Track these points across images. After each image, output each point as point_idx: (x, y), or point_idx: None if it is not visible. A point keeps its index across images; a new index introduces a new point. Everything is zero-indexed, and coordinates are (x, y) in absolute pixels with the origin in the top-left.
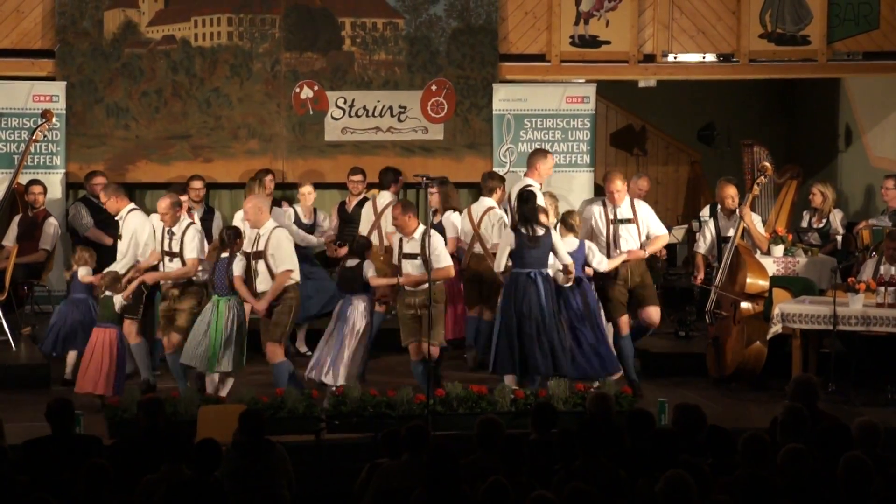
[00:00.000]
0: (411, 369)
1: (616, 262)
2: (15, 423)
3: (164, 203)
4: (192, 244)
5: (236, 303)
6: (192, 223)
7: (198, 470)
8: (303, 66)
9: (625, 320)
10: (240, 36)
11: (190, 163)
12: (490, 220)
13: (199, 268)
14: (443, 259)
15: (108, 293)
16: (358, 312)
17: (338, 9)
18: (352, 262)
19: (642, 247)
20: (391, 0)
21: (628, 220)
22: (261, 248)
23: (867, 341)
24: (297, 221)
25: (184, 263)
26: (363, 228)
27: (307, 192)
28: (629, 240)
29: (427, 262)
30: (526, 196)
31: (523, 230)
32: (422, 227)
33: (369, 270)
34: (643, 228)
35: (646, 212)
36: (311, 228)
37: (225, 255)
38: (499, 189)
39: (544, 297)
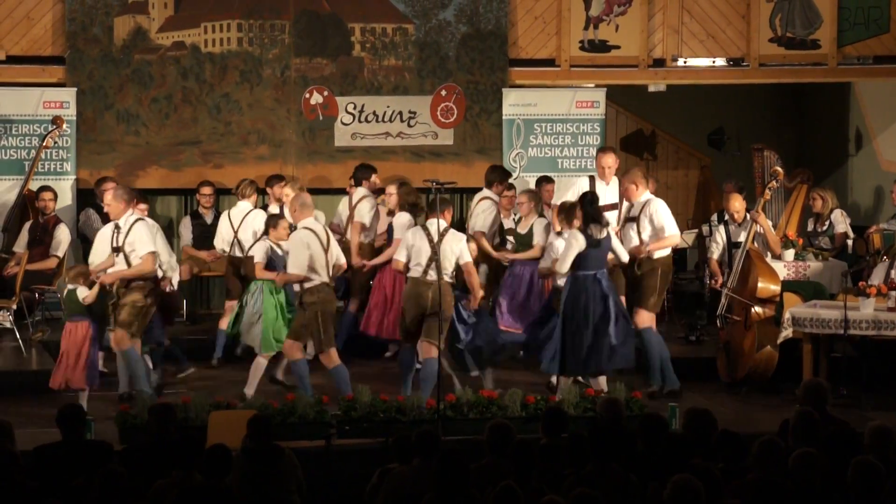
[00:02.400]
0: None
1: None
2: (26, 429)
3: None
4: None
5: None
6: (141, 219)
7: (208, 475)
8: (312, 72)
9: None
10: (249, 42)
11: (200, 168)
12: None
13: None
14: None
15: (70, 286)
16: None
17: (347, 14)
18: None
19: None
20: (401, 5)
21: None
22: None
23: (878, 345)
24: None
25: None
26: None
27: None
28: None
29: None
30: (591, 198)
31: (589, 232)
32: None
33: None
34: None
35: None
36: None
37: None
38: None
39: (610, 298)
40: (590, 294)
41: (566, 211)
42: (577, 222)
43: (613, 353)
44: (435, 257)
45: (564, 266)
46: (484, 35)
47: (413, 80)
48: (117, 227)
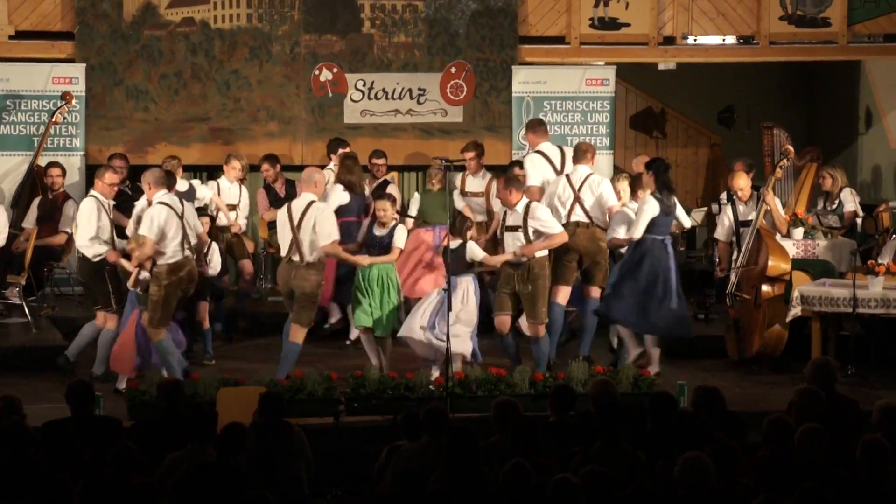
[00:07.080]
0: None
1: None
2: (34, 405)
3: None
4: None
5: None
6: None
7: (222, 454)
8: (322, 49)
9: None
10: (259, 18)
11: (209, 145)
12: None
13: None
14: (554, 227)
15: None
16: (469, 291)
17: None
18: (455, 243)
19: None
20: None
21: None
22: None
23: (887, 324)
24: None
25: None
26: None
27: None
28: None
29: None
30: (665, 167)
31: (663, 198)
32: (524, 200)
33: (478, 251)
34: None
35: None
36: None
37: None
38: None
39: (673, 264)
40: (658, 259)
41: (633, 180)
42: (648, 189)
43: (675, 321)
44: None
45: (638, 231)
46: (494, 12)
47: (423, 57)
48: None
